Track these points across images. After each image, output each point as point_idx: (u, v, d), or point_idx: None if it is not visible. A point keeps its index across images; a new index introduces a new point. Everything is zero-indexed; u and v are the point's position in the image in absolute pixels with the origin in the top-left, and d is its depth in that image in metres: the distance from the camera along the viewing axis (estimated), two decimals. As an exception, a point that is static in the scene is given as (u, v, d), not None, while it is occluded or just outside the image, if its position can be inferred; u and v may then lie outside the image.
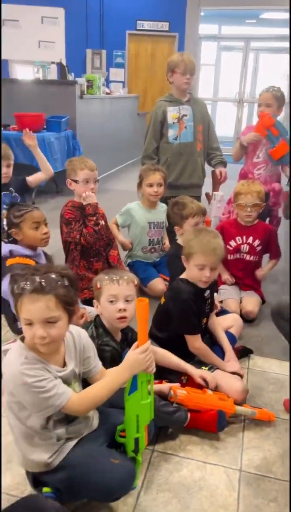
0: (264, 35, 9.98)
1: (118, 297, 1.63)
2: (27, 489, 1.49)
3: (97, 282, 1.67)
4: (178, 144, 3.11)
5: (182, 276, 2.00)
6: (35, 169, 4.58)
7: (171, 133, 3.10)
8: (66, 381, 1.32)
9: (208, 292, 2.00)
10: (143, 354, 1.31)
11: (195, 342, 1.95)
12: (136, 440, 1.38)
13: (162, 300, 2.10)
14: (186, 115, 3.09)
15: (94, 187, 2.48)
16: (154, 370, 1.36)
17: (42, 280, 1.19)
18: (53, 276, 1.21)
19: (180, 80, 3.03)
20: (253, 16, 9.33)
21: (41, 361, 1.26)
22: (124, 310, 1.62)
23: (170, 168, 3.09)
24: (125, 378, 1.32)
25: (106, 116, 6.40)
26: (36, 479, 1.38)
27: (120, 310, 1.62)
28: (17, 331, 2.12)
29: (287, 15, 7.20)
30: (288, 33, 7.35)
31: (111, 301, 1.63)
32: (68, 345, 1.36)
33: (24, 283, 1.19)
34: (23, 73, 8.38)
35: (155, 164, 2.96)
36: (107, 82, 7.51)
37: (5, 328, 2.39)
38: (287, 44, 7.63)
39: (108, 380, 1.34)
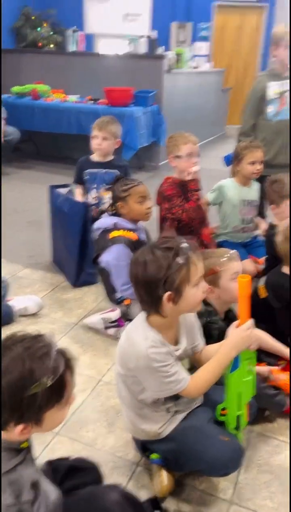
0: None
1: (240, 273, 1.62)
2: (131, 453, 1.56)
3: (213, 266, 1.64)
4: (276, 122, 2.99)
5: (286, 271, 1.86)
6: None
7: (270, 109, 2.98)
8: (180, 359, 1.34)
9: None
10: (248, 331, 1.31)
11: None
12: (238, 418, 1.38)
13: (263, 292, 1.93)
14: (288, 91, 2.95)
15: (197, 161, 2.45)
16: (256, 347, 1.36)
17: (191, 244, 1.26)
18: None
19: (285, 54, 2.88)
20: None
21: (164, 344, 1.27)
22: None
23: (267, 146, 2.97)
24: (231, 357, 1.32)
25: (190, 91, 6.27)
26: (144, 446, 1.43)
27: None
28: (115, 301, 2.18)
29: None
30: None
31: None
32: (181, 323, 1.37)
33: (185, 252, 1.23)
34: (107, 47, 8.40)
35: (255, 141, 2.87)
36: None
37: (100, 297, 2.48)
38: None
39: (215, 363, 1.32)
